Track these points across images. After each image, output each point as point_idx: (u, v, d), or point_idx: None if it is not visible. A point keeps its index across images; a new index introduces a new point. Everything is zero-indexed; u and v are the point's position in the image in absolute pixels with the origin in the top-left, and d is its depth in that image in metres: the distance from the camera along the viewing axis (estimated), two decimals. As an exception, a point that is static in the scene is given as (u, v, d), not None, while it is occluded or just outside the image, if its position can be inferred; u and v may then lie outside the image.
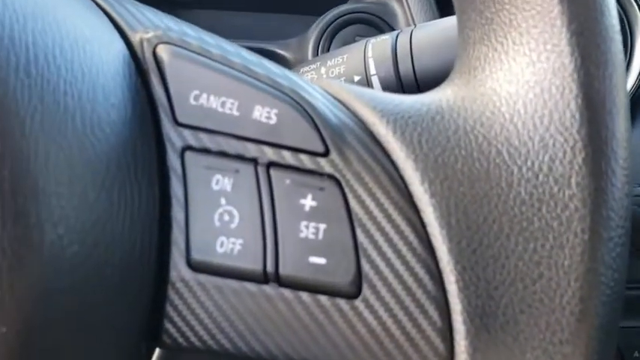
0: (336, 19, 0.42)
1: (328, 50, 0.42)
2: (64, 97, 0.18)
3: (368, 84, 0.33)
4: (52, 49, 0.19)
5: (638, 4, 0.41)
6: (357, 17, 0.43)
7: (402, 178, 0.20)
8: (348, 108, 0.20)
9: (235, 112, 0.20)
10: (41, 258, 0.17)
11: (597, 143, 0.19)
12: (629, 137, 0.20)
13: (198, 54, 0.21)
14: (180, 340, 0.20)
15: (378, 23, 0.43)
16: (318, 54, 0.42)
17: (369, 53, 0.33)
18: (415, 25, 0.40)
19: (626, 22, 0.41)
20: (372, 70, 0.33)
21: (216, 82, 0.20)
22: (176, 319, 0.20)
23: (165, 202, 0.20)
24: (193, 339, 0.20)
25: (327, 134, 0.20)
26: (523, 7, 0.21)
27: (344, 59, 0.33)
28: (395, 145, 0.20)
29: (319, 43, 0.42)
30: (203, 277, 0.20)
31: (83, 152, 0.18)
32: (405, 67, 0.32)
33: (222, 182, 0.20)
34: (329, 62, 0.34)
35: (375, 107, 0.20)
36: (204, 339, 0.20)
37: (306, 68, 0.35)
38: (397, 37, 0.33)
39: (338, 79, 0.33)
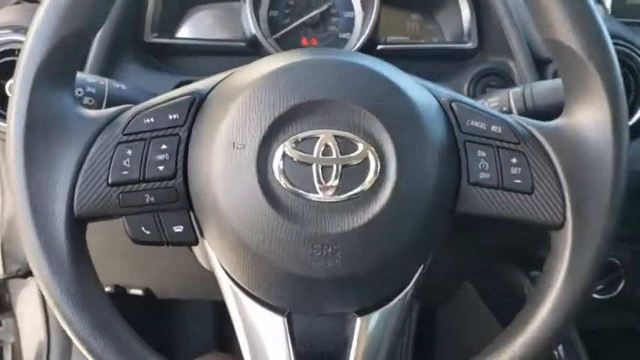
0: (484, 72, 0.75)
1: (475, 91, 0.74)
2: None
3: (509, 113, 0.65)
4: None
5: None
6: (492, 71, 0.75)
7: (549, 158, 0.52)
8: (526, 125, 0.52)
9: None
10: None
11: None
12: None
13: None
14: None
15: (502, 75, 0.75)
16: (469, 93, 0.74)
17: (511, 96, 0.65)
18: (527, 80, 0.73)
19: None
20: (513, 105, 0.65)
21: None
22: None
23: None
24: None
25: (520, 136, 0.51)
26: (584, 80, 0.51)
27: (497, 98, 0.66)
28: (549, 148, 0.51)
29: (470, 86, 0.75)
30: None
31: None
32: (529, 105, 0.65)
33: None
34: (489, 99, 0.66)
35: (540, 127, 0.52)
36: None
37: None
38: (524, 88, 0.65)
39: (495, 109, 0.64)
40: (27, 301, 1.05)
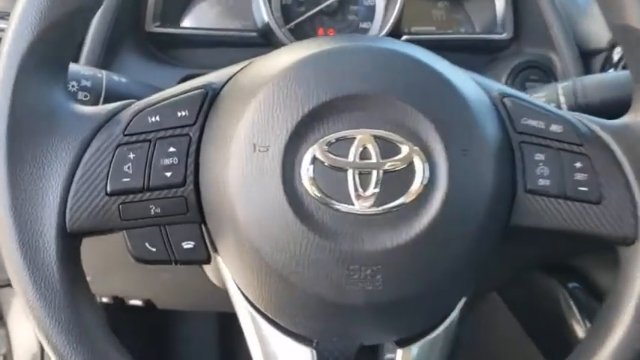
0: (522, 65, 0.68)
1: (512, 86, 0.67)
2: None
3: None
4: None
5: None
6: (531, 64, 0.68)
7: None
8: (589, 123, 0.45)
9: None
10: None
11: None
12: None
13: None
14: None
15: (544, 69, 0.68)
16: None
17: (560, 91, 0.58)
18: (571, 74, 0.65)
19: None
20: (562, 100, 0.57)
21: None
22: None
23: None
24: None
25: (583, 136, 0.44)
26: None
27: (543, 94, 0.58)
28: (618, 150, 0.44)
29: (508, 80, 0.67)
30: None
31: None
32: (581, 101, 0.57)
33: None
34: (534, 95, 0.59)
35: (606, 126, 0.45)
36: None
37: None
38: (574, 82, 0.58)
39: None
40: (19, 311, 1.00)
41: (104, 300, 0.92)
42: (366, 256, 0.40)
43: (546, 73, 0.68)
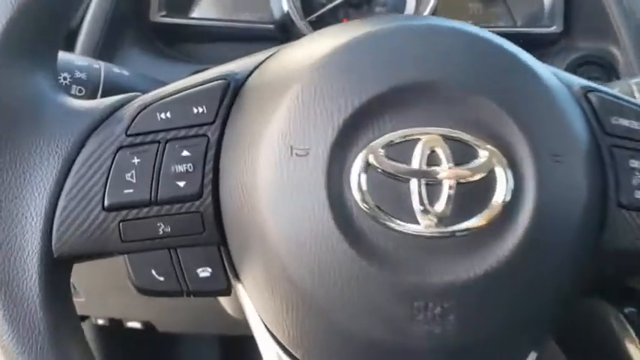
0: (578, 61, 0.59)
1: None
2: None
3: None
4: None
5: None
6: (589, 60, 0.60)
7: None
8: None
9: None
10: None
11: None
12: None
13: None
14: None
15: (604, 65, 0.60)
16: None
17: (635, 87, 0.50)
18: (637, 71, 0.57)
19: None
20: (637, 96, 0.49)
21: None
22: None
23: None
24: None
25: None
26: None
27: (616, 90, 0.50)
28: None
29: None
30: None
31: None
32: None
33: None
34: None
35: None
36: None
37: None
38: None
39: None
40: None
41: (99, 322, 0.86)
42: (435, 291, 0.32)
43: (606, 70, 0.59)
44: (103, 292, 0.69)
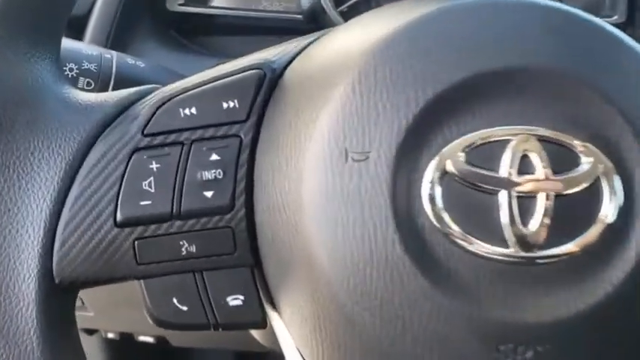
0: None
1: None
2: None
3: None
4: None
5: None
6: None
7: None
8: None
9: None
10: None
11: None
12: None
13: None
14: None
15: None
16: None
17: None
18: None
19: None
20: None
21: None
22: None
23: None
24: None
25: None
26: None
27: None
28: None
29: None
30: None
31: None
32: None
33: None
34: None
35: None
36: None
37: None
38: None
39: None
40: None
41: (109, 335, 0.81)
42: (526, 331, 0.25)
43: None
44: (113, 306, 0.64)
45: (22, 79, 0.29)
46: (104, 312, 0.67)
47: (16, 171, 0.28)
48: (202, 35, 0.61)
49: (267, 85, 0.31)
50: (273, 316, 0.32)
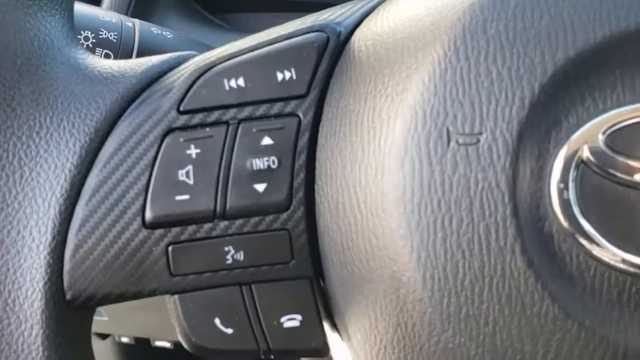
0: None
1: None
2: None
3: None
4: None
5: None
6: None
7: None
8: None
9: None
10: None
11: None
12: None
13: None
14: None
15: None
16: None
17: None
18: None
19: None
20: None
21: None
22: None
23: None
24: None
25: None
26: None
27: None
28: None
29: None
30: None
31: None
32: None
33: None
34: None
35: None
36: None
37: None
38: None
39: None
40: None
41: (123, 340, 0.78)
42: None
43: None
44: (128, 310, 0.60)
45: (25, 38, 0.23)
46: (119, 316, 0.64)
47: (17, 155, 0.23)
48: (228, 11, 0.56)
49: (332, 52, 0.25)
50: (335, 340, 0.27)
